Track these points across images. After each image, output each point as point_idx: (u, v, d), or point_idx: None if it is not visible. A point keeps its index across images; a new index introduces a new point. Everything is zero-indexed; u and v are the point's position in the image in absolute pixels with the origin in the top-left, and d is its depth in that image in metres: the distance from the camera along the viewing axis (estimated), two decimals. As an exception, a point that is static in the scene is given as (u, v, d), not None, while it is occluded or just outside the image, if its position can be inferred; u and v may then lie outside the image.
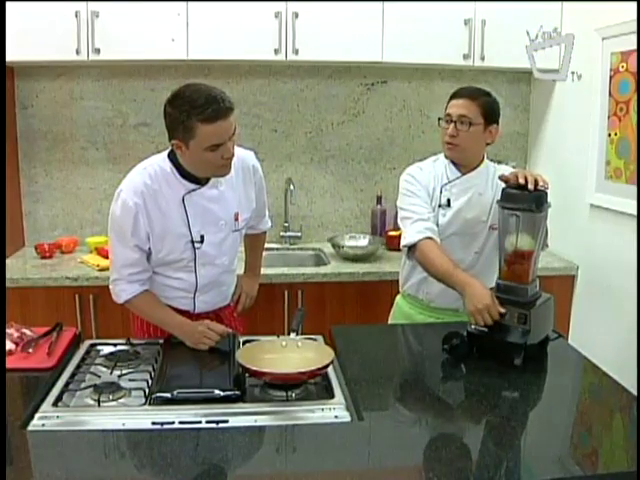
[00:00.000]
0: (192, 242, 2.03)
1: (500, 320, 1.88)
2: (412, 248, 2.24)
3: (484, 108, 2.20)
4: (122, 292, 2.05)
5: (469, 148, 2.25)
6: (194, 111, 1.80)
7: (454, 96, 2.26)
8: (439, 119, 2.30)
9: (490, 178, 2.31)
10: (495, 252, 2.25)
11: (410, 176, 2.35)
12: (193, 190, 2.00)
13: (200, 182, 2.01)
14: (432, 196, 2.31)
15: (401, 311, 2.47)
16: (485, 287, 1.97)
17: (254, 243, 2.46)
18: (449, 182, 2.30)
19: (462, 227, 2.29)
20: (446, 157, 2.32)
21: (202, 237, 2.03)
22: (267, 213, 2.43)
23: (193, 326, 1.98)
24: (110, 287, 2.09)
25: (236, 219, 2.11)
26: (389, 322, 2.52)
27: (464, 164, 2.30)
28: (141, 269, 2.04)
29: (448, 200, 2.29)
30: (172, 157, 2.00)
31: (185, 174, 1.99)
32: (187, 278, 2.10)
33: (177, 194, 1.99)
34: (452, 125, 2.21)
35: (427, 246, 2.18)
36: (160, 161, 2.02)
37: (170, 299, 2.13)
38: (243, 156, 2.12)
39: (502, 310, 1.89)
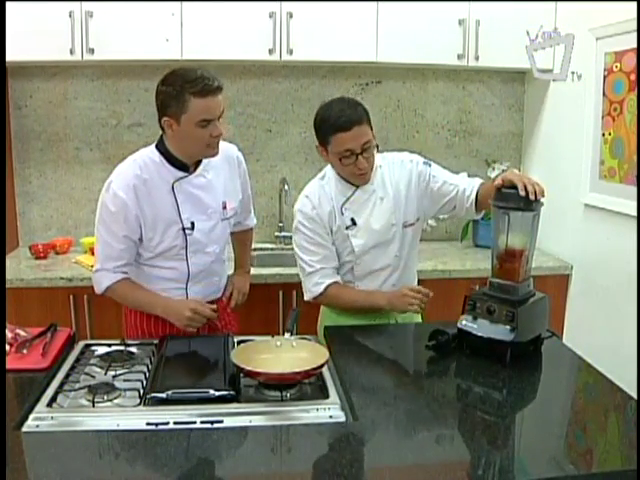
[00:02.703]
0: (183, 229, 2.07)
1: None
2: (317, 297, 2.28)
3: (368, 121, 2.09)
4: (103, 279, 2.08)
5: (373, 164, 2.17)
6: (187, 85, 1.89)
7: (341, 129, 2.03)
8: (340, 158, 2.09)
9: (385, 176, 2.23)
10: (413, 248, 2.33)
11: (301, 214, 2.22)
12: (182, 178, 2.05)
13: (188, 169, 2.06)
14: (331, 223, 2.21)
15: (328, 316, 2.38)
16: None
17: (242, 240, 2.49)
18: (347, 200, 2.21)
19: (375, 239, 2.23)
20: (340, 175, 2.19)
21: (192, 224, 2.08)
22: (252, 209, 2.47)
23: (180, 308, 2.00)
24: (92, 276, 2.13)
25: (224, 208, 2.16)
26: (318, 329, 2.39)
27: None
28: (125, 262, 2.08)
29: (352, 220, 2.21)
30: (160, 147, 2.05)
31: (173, 162, 2.04)
32: (179, 267, 2.13)
33: (167, 182, 2.04)
34: (360, 158, 2.08)
35: (331, 293, 2.25)
36: (149, 152, 2.07)
37: (162, 291, 2.13)
38: (226, 148, 2.18)
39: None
